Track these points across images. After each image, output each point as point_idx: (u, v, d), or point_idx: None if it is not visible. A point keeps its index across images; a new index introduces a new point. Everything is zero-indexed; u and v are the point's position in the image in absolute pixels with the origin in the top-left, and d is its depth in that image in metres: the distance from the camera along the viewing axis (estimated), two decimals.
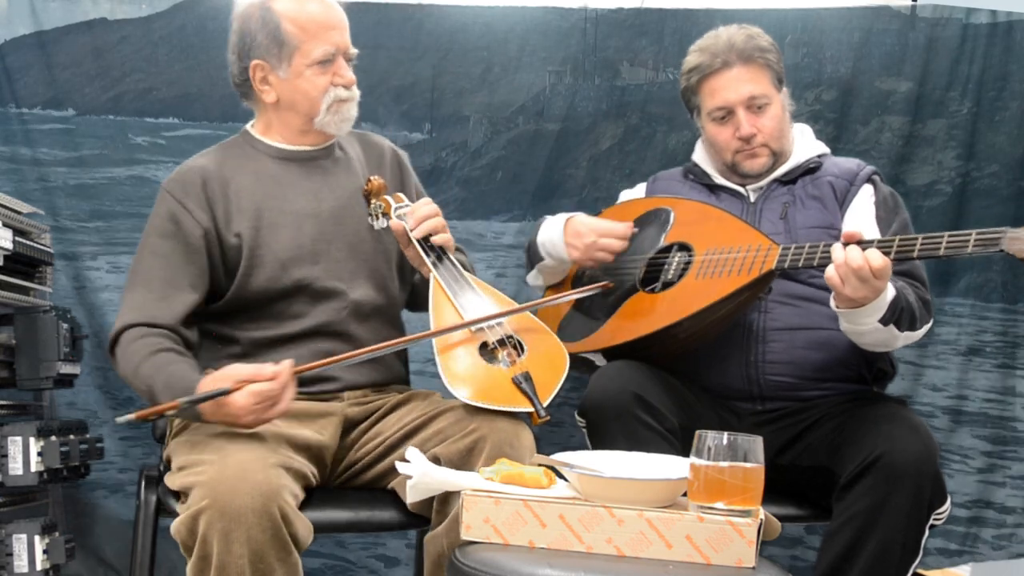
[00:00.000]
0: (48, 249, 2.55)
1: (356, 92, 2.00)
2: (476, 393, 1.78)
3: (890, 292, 1.84)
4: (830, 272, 1.80)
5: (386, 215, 1.98)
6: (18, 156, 2.80)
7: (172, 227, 1.92)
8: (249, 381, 1.67)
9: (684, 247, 2.10)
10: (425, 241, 1.94)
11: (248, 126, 2.08)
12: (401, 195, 2.03)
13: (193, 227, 1.91)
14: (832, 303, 1.87)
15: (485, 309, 1.90)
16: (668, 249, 2.13)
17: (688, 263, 2.07)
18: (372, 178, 2.02)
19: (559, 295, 2.14)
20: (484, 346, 1.86)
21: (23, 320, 2.39)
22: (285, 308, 1.94)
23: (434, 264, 1.93)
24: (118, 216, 2.82)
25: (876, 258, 1.76)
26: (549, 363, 1.85)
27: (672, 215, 2.16)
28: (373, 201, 2.01)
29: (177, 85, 2.89)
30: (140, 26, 2.86)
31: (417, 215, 1.95)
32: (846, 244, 1.80)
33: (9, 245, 2.29)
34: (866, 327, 1.87)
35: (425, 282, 2.01)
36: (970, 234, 1.75)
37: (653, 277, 2.11)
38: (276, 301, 1.94)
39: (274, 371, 1.68)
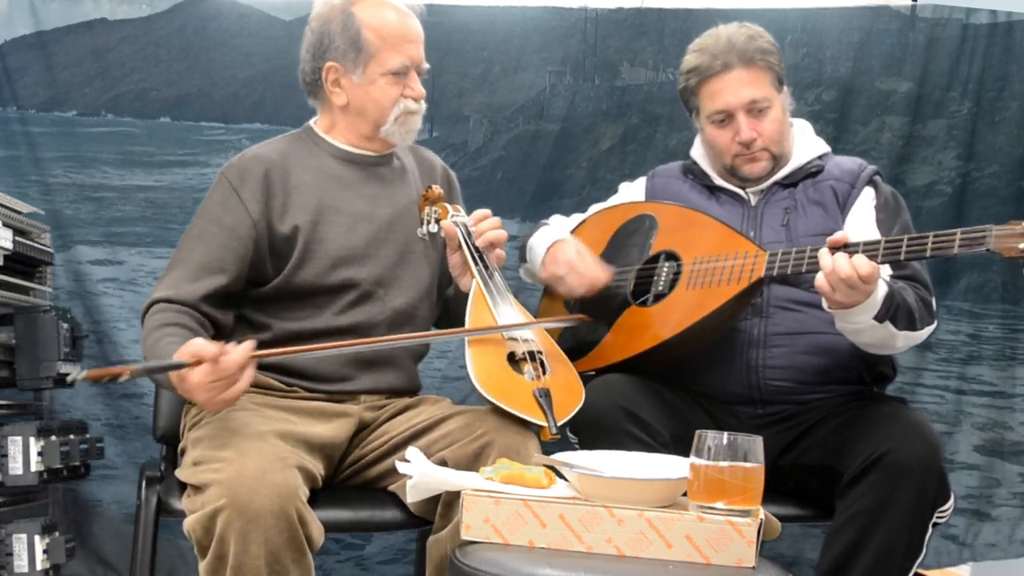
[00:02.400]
0: (48, 249, 2.55)
1: (424, 106, 2.03)
2: (497, 392, 1.79)
3: (882, 289, 1.84)
4: (820, 280, 1.80)
5: (439, 221, 2.02)
6: (18, 156, 2.80)
7: (221, 212, 1.93)
8: (206, 360, 1.61)
9: (671, 256, 2.10)
10: (479, 252, 1.98)
11: (312, 123, 2.10)
12: (458, 205, 2.08)
13: (243, 216, 1.92)
14: (824, 305, 1.87)
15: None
16: (656, 258, 2.13)
17: (677, 273, 2.07)
18: (433, 186, 2.06)
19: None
20: (512, 356, 1.87)
21: (23, 320, 2.39)
22: (326, 304, 1.96)
23: (480, 273, 1.96)
24: (118, 216, 2.83)
25: (863, 265, 1.75)
26: (568, 390, 1.87)
27: (656, 222, 2.16)
28: (428, 208, 2.05)
29: (177, 85, 2.89)
30: (140, 26, 2.87)
31: (483, 224, 1.98)
32: (832, 250, 1.80)
33: (9, 245, 2.29)
34: (861, 325, 1.87)
35: (458, 297, 2.04)
36: (955, 233, 1.75)
37: (643, 289, 2.11)
38: (319, 296, 1.96)
39: (229, 354, 1.63)
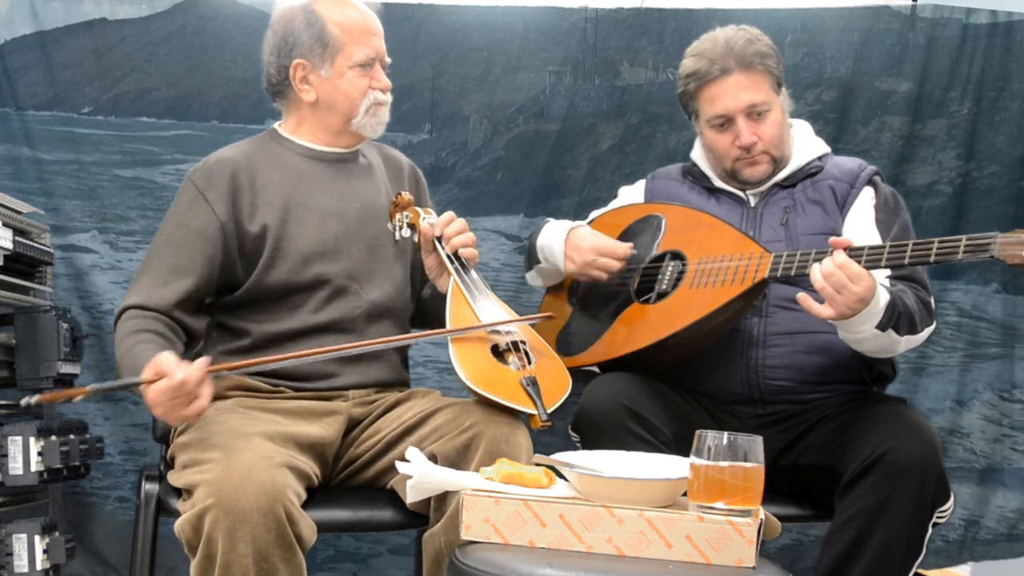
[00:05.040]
0: (48, 249, 2.55)
1: (390, 97, 2.06)
2: (484, 383, 1.80)
3: (884, 297, 1.84)
4: (818, 280, 1.80)
5: (412, 226, 2.05)
6: (18, 156, 2.80)
7: (189, 216, 1.95)
8: (164, 377, 1.61)
9: (677, 256, 2.10)
10: (452, 253, 1.99)
11: (276, 125, 2.12)
12: (429, 208, 2.09)
13: (210, 218, 1.93)
14: (823, 312, 1.86)
15: (501, 317, 1.94)
16: (661, 258, 2.13)
17: (682, 272, 2.07)
18: (402, 193, 2.08)
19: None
20: (496, 348, 1.89)
21: (23, 320, 2.39)
22: (301, 302, 1.97)
23: (456, 271, 1.98)
24: (118, 216, 2.83)
25: (846, 262, 1.76)
26: (554, 379, 1.88)
27: (664, 222, 2.16)
28: (399, 214, 2.07)
29: (177, 85, 2.89)
30: (140, 26, 2.87)
31: (450, 229, 2.00)
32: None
33: (9, 245, 2.29)
34: (864, 334, 1.87)
35: (435, 298, 2.05)
36: (960, 240, 1.75)
37: (647, 287, 2.11)
38: (293, 294, 1.96)
39: (184, 375, 1.60)
